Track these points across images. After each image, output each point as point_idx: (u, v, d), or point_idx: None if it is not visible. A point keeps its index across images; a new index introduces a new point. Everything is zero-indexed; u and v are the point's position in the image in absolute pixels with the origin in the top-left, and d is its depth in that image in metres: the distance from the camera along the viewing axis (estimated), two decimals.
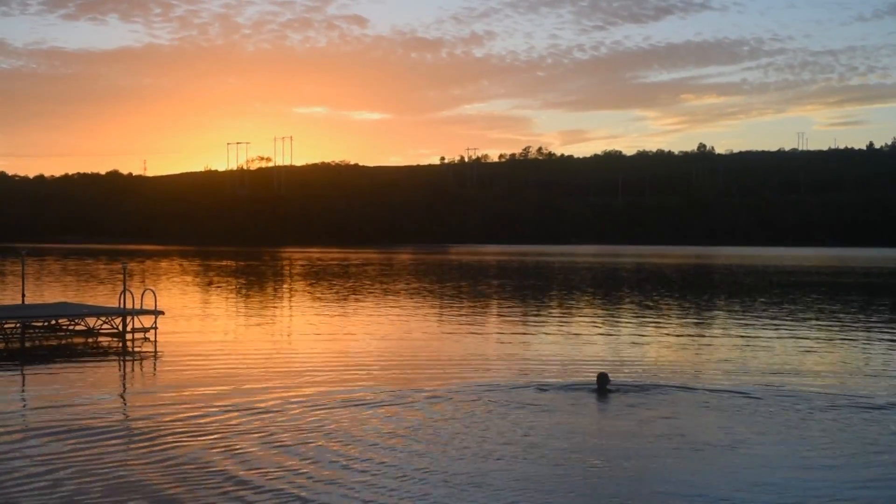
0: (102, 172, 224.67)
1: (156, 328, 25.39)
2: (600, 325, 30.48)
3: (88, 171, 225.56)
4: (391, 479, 11.00)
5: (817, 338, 27.00)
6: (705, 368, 20.69)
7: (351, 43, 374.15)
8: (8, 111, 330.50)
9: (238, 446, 12.51)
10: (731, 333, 28.00)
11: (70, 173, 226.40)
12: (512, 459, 12.10)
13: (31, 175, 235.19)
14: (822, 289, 51.74)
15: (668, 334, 27.78)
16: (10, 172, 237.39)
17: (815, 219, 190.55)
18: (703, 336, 27.44)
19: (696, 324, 31.30)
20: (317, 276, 59.81)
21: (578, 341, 25.67)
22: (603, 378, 17.50)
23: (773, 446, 13.03)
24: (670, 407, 15.89)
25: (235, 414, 14.69)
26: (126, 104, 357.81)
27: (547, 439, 13.31)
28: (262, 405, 15.42)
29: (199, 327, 28.45)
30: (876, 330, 29.67)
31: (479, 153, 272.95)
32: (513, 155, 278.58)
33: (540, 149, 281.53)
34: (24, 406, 15.60)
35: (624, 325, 30.56)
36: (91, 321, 26.04)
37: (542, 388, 17.54)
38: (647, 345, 25.10)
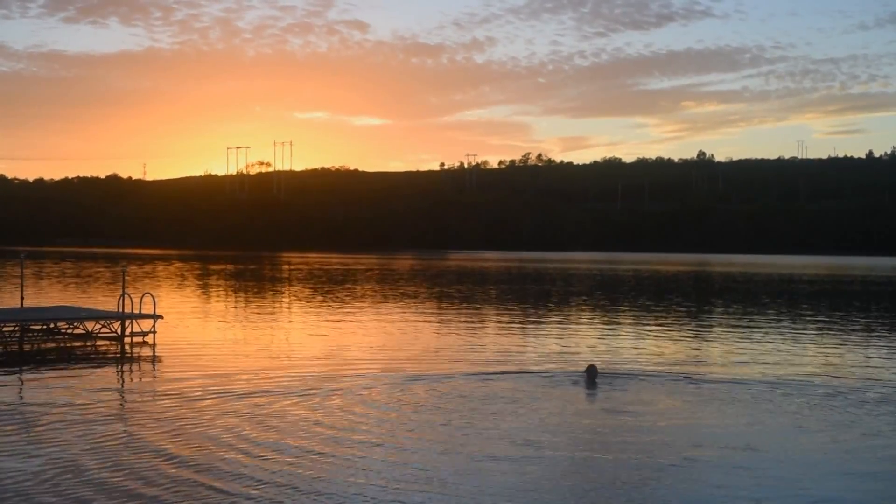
0: (102, 176, 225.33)
1: (154, 332, 25.43)
2: (592, 322, 30.60)
3: (88, 174, 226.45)
4: (385, 470, 11.06)
5: (818, 335, 27.17)
6: (697, 361, 21.47)
7: (352, 48, 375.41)
8: (8, 114, 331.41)
9: (237, 449, 12.54)
10: (724, 331, 28.07)
11: (70, 177, 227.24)
12: (500, 449, 12.35)
13: (31, 178, 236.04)
14: (828, 295, 51.82)
15: (660, 331, 27.85)
16: (9, 175, 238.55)
17: (813, 227, 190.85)
18: (699, 332, 27.50)
19: (692, 322, 31.35)
20: (315, 281, 59.82)
21: (572, 337, 25.79)
22: (592, 370, 18.66)
23: (767, 438, 13.08)
24: (655, 396, 16.99)
25: (234, 418, 14.72)
26: (126, 108, 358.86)
27: (535, 430, 13.85)
28: (261, 408, 15.45)
29: (197, 331, 28.47)
30: (878, 330, 29.82)
31: (479, 159, 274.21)
32: (512, 161, 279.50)
33: (539, 155, 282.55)
34: (21, 409, 15.60)
35: (616, 322, 30.70)
36: (90, 325, 26.09)
37: (531, 378, 18.53)
38: (636, 340, 25.20)
